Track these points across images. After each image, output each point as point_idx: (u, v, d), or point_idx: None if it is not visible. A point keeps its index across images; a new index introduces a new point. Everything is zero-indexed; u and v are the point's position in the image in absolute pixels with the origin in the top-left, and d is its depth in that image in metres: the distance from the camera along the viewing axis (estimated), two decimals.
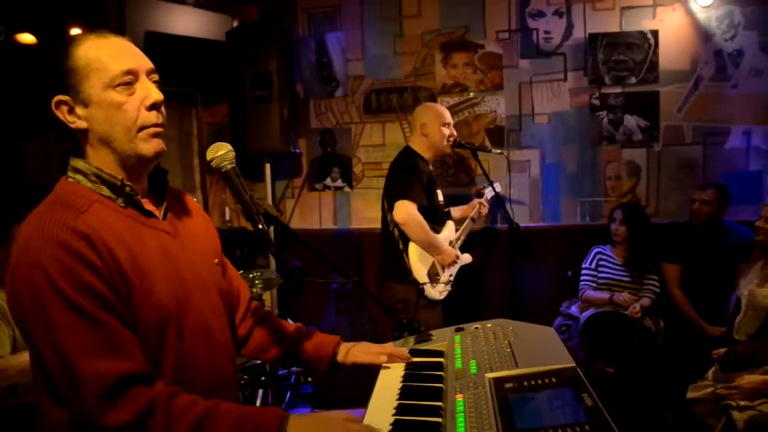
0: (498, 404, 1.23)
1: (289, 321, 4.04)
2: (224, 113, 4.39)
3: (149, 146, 1.28)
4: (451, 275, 3.46)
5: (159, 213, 1.36)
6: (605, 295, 3.62)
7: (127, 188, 1.27)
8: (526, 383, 1.30)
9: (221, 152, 1.34)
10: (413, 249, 3.32)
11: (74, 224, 1.16)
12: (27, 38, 3.51)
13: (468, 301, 4.07)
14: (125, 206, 1.28)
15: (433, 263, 3.39)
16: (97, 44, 1.25)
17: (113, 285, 1.16)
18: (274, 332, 1.66)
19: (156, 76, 1.31)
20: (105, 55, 1.24)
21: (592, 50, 4.04)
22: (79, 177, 1.27)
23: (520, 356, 1.46)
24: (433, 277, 3.36)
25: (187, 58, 3.95)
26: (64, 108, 1.24)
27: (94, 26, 3.71)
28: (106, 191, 1.27)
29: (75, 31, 3.74)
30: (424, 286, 3.32)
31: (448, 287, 3.43)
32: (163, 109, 1.30)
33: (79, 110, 1.24)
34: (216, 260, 1.49)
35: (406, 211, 3.21)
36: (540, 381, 1.30)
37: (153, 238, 1.29)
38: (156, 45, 3.78)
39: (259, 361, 2.90)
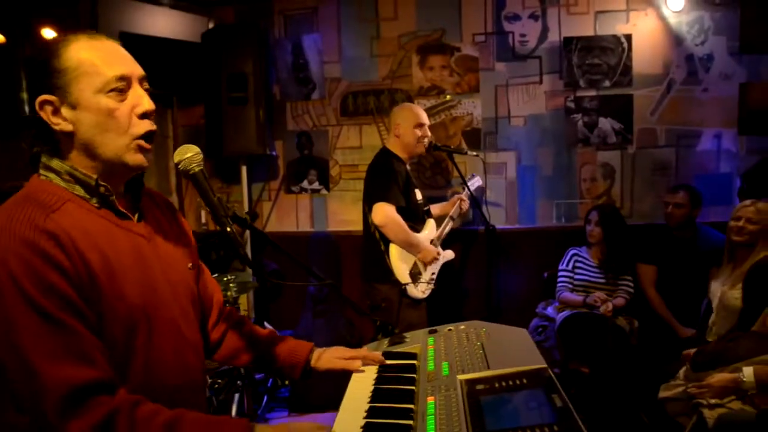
0: (468, 406, 1.23)
1: (266, 325, 4.02)
2: (200, 115, 4.35)
3: (136, 158, 1.26)
4: (433, 273, 3.47)
5: (134, 215, 1.33)
6: (580, 297, 3.66)
7: (102, 188, 1.25)
8: (497, 384, 1.30)
9: (189, 154, 1.32)
10: (394, 250, 3.33)
11: (43, 223, 1.13)
12: None
13: (447, 302, 4.08)
14: (99, 207, 1.25)
15: (415, 263, 3.40)
16: (89, 46, 1.22)
17: (81, 287, 1.14)
18: (247, 337, 1.63)
19: (146, 84, 1.29)
20: (98, 59, 1.21)
21: (567, 54, 4.08)
22: (52, 175, 1.24)
23: (492, 358, 1.47)
24: (415, 276, 3.38)
25: (163, 60, 3.91)
26: (49, 108, 1.21)
27: (65, 26, 3.67)
28: (79, 191, 1.24)
29: (46, 31, 3.69)
30: (407, 286, 3.33)
31: (431, 285, 3.45)
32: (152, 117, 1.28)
33: (65, 112, 1.21)
34: (190, 265, 1.47)
35: (383, 213, 3.23)
36: (511, 382, 1.30)
37: (126, 240, 1.27)
38: (130, 46, 3.68)
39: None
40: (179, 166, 1.32)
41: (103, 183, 1.25)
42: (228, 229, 1.32)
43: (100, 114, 1.21)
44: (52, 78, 1.20)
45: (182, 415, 1.16)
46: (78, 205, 1.22)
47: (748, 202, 3.08)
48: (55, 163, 1.24)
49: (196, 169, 1.33)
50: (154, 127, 1.28)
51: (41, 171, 1.25)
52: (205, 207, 4.46)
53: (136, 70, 1.26)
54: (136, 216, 1.34)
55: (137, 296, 1.23)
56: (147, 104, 1.26)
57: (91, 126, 1.21)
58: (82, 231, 1.18)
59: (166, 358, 1.29)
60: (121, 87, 1.22)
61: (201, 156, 1.34)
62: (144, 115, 1.26)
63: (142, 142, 1.26)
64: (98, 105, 1.21)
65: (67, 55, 1.20)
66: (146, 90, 1.28)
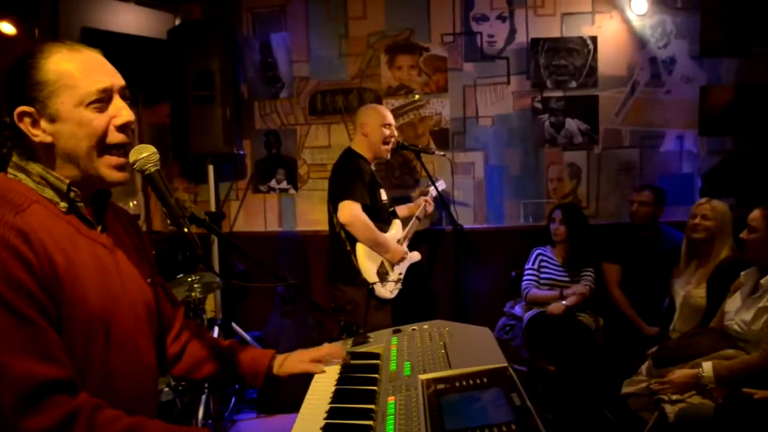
0: (429, 405, 1.23)
1: (234, 326, 3.97)
2: (166, 114, 4.27)
3: (113, 175, 1.26)
4: (400, 274, 3.47)
5: (98, 225, 1.31)
6: (554, 292, 3.69)
7: (72, 194, 1.23)
8: (457, 384, 1.31)
9: (144, 154, 1.30)
10: (361, 249, 3.32)
11: (13, 220, 1.11)
12: None
13: (414, 302, 4.08)
14: (66, 212, 1.24)
15: (382, 262, 3.39)
16: (69, 58, 1.20)
17: (47, 287, 1.12)
18: (208, 349, 1.61)
19: (127, 93, 1.28)
20: (78, 71, 1.19)
21: (534, 55, 4.12)
22: (21, 175, 1.22)
23: (453, 357, 1.47)
24: (383, 276, 3.37)
25: (127, 57, 3.82)
26: (28, 120, 1.19)
27: (24, 21, 3.57)
28: (49, 193, 1.23)
29: (4, 26, 3.59)
30: (374, 286, 3.32)
31: (399, 285, 3.44)
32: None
33: (44, 124, 1.19)
34: (149, 280, 1.45)
35: (349, 211, 3.21)
36: (471, 381, 1.31)
37: (89, 248, 1.25)
38: (93, 42, 3.63)
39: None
40: (135, 166, 1.29)
41: (74, 189, 1.24)
42: (185, 230, 1.30)
43: (79, 126, 1.20)
44: (31, 90, 1.19)
45: (143, 423, 1.15)
46: (44, 207, 1.21)
47: (703, 200, 3.16)
48: (26, 164, 1.23)
49: (152, 169, 1.31)
50: (129, 139, 1.27)
51: (10, 170, 1.24)
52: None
53: (117, 81, 1.25)
54: (100, 227, 1.32)
55: (97, 304, 1.22)
56: (126, 116, 1.25)
57: (69, 137, 1.21)
58: (48, 233, 1.16)
59: (121, 374, 1.27)
60: (101, 99, 1.21)
61: (157, 156, 1.32)
62: (122, 127, 1.25)
63: (119, 160, 1.25)
64: (78, 118, 1.20)
65: (47, 67, 1.19)
66: (126, 100, 1.27)
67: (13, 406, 1.04)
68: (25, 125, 1.19)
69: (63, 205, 1.23)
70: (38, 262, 1.11)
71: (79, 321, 1.18)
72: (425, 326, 1.76)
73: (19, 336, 1.07)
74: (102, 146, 1.23)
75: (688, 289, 3.14)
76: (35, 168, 1.22)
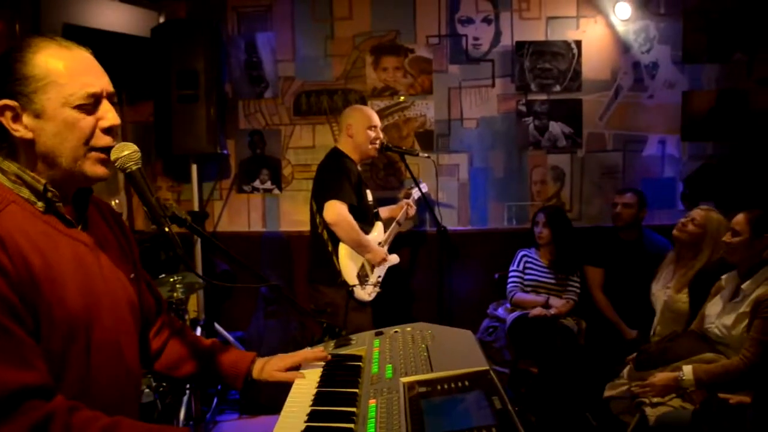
0: (409, 409, 1.23)
1: (217, 326, 3.94)
2: (149, 112, 4.23)
3: (96, 170, 1.24)
4: (379, 276, 3.47)
5: (78, 223, 1.29)
6: (540, 298, 3.70)
7: (50, 194, 1.21)
8: (438, 387, 1.30)
9: (126, 152, 1.28)
10: (343, 250, 3.31)
11: None
12: None
13: (397, 303, 4.08)
14: (44, 212, 1.21)
15: (363, 265, 3.38)
16: (59, 55, 1.18)
17: (22, 291, 1.10)
18: (189, 347, 1.60)
19: (115, 98, 1.26)
20: (68, 71, 1.17)
21: (519, 58, 4.14)
22: None
23: (435, 360, 1.47)
24: (363, 278, 3.36)
25: (110, 55, 3.75)
26: (9, 114, 1.16)
27: (6, 17, 3.52)
28: (26, 193, 1.20)
29: None
30: (354, 288, 3.31)
31: (377, 288, 3.44)
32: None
33: (26, 119, 1.17)
34: (132, 275, 1.43)
35: (335, 211, 3.20)
36: (452, 385, 1.30)
37: (68, 247, 1.22)
38: (75, 39, 3.60)
39: None
40: (116, 164, 1.28)
41: (51, 189, 1.21)
42: (166, 229, 1.29)
43: (65, 125, 1.18)
44: (16, 84, 1.16)
45: (120, 422, 1.14)
46: (22, 208, 1.18)
47: (705, 206, 3.19)
48: (2, 163, 1.20)
49: (133, 168, 1.29)
50: (114, 143, 1.26)
51: None
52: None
53: (106, 86, 1.24)
54: (81, 225, 1.30)
55: (77, 304, 1.20)
56: (113, 119, 1.24)
57: (52, 135, 1.18)
58: (24, 235, 1.14)
59: (102, 375, 1.26)
60: (89, 103, 1.20)
61: (139, 154, 1.30)
62: (108, 130, 1.23)
63: (102, 155, 1.24)
64: (63, 117, 1.18)
65: (34, 62, 1.16)
66: (114, 105, 1.26)
67: None
68: (6, 119, 1.17)
69: (40, 204, 1.21)
70: (13, 266, 1.09)
71: (58, 323, 1.16)
72: (408, 329, 1.75)
73: None
74: (87, 147, 1.22)
75: (670, 294, 3.16)
76: (11, 167, 1.20)
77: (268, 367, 1.60)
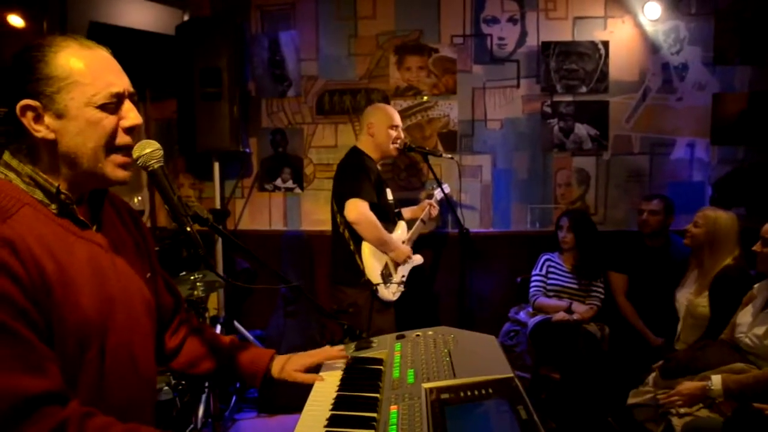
0: (432, 416, 1.20)
1: (237, 324, 3.94)
2: (173, 110, 4.25)
3: (117, 173, 1.23)
4: (403, 276, 3.44)
5: (93, 224, 1.28)
6: (562, 302, 3.65)
7: (63, 196, 1.19)
8: (462, 394, 1.27)
9: (148, 150, 1.27)
10: (366, 249, 3.28)
11: None
12: None
13: (419, 306, 4.05)
14: (58, 214, 1.20)
15: (387, 263, 3.36)
16: (81, 54, 1.17)
17: (35, 297, 1.08)
18: (207, 345, 1.59)
19: (135, 98, 1.26)
20: (90, 70, 1.16)
21: (544, 58, 4.08)
22: (12, 175, 1.18)
23: (458, 365, 1.43)
24: (386, 277, 3.33)
25: (135, 52, 3.80)
26: (31, 114, 1.15)
27: (33, 14, 3.56)
28: (39, 195, 1.18)
29: (14, 18, 3.58)
30: (378, 287, 3.28)
31: (401, 287, 3.40)
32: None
33: (48, 120, 1.15)
34: (148, 275, 1.42)
35: (357, 209, 3.18)
36: (476, 392, 1.27)
37: (83, 250, 1.21)
38: (101, 37, 3.60)
39: None
40: (138, 162, 1.26)
41: (64, 191, 1.19)
42: (188, 228, 1.27)
43: (87, 125, 1.17)
44: (38, 84, 1.14)
45: (135, 429, 1.13)
46: (36, 210, 1.17)
47: (705, 207, 3.14)
48: (16, 164, 1.18)
49: (156, 166, 1.28)
50: (134, 142, 1.25)
51: (1, 168, 1.19)
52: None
53: (127, 86, 1.23)
54: (95, 226, 1.29)
55: (91, 309, 1.18)
56: (134, 118, 1.23)
57: (75, 135, 1.17)
58: (37, 238, 1.12)
59: (116, 381, 1.24)
60: (113, 103, 1.19)
61: (161, 152, 1.29)
62: (130, 129, 1.23)
63: (124, 159, 1.23)
64: (87, 116, 1.17)
65: (56, 62, 1.15)
66: (134, 103, 1.25)
67: (1, 423, 1.02)
68: (27, 120, 1.15)
69: (53, 207, 1.20)
70: (25, 272, 1.07)
71: (72, 328, 1.14)
72: (429, 332, 1.72)
73: (5, 350, 1.03)
74: (109, 147, 1.20)
75: (690, 299, 3.10)
76: (24, 168, 1.18)
77: (288, 367, 1.58)
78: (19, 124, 1.16)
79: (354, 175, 3.27)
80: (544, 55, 4.08)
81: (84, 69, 1.16)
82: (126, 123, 1.22)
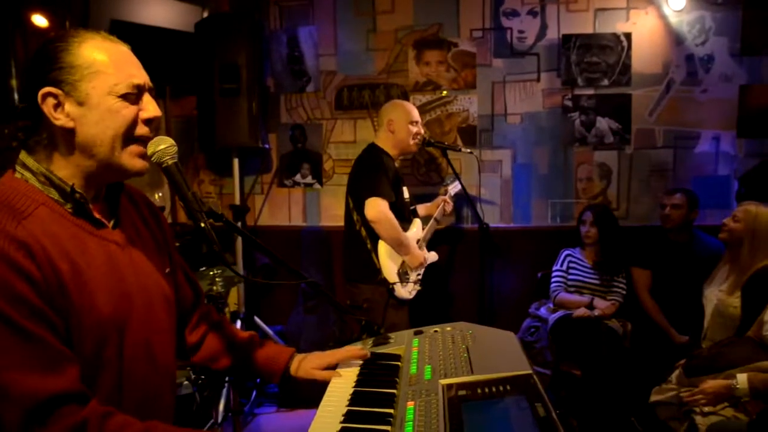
0: (449, 412, 1.18)
1: (257, 320, 3.96)
2: (193, 106, 4.29)
3: (134, 163, 1.24)
4: (419, 275, 3.42)
5: (110, 221, 1.29)
6: (584, 298, 3.60)
7: (77, 195, 1.19)
8: (479, 390, 1.25)
9: (162, 146, 1.27)
10: (383, 248, 3.27)
11: (14, 231, 1.07)
12: None
13: (436, 302, 4.03)
14: (73, 213, 1.20)
15: (403, 263, 3.34)
16: (104, 47, 1.19)
17: (50, 298, 1.09)
18: (227, 341, 1.60)
19: (154, 92, 1.27)
20: (113, 62, 1.18)
21: (565, 51, 4.03)
22: (28, 174, 1.19)
23: (476, 362, 1.42)
24: (403, 276, 3.32)
25: (155, 49, 3.83)
26: (51, 101, 1.16)
27: (56, 13, 3.61)
28: (54, 194, 1.19)
29: (37, 18, 3.62)
30: (394, 286, 3.27)
31: (417, 286, 3.40)
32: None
33: (69, 107, 1.16)
34: (167, 269, 1.42)
35: (377, 208, 3.16)
36: (494, 389, 1.25)
37: (100, 249, 1.22)
38: (122, 34, 3.64)
39: None
40: (152, 158, 1.27)
41: (78, 190, 1.20)
42: (202, 224, 1.27)
43: (108, 114, 1.18)
44: (61, 72, 1.15)
45: (154, 427, 1.13)
46: (51, 210, 1.17)
47: (747, 202, 3.02)
48: (31, 162, 1.19)
49: (170, 162, 1.28)
50: (152, 134, 1.26)
51: (18, 168, 1.20)
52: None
53: (147, 80, 1.25)
54: (112, 222, 1.29)
55: (108, 308, 1.19)
56: (153, 110, 1.24)
57: (94, 124, 1.18)
58: (53, 238, 1.13)
59: (136, 371, 1.25)
60: (133, 94, 1.20)
61: (175, 148, 1.29)
62: (149, 121, 1.24)
63: (140, 148, 1.24)
64: (108, 105, 1.18)
65: (80, 52, 1.16)
66: (153, 98, 1.26)
67: (20, 424, 1.02)
68: (48, 107, 1.16)
69: (69, 206, 1.20)
70: (41, 274, 1.08)
71: (89, 327, 1.15)
72: (448, 328, 1.70)
73: (23, 352, 1.04)
74: (127, 137, 1.21)
75: (721, 297, 3.00)
76: (39, 167, 1.19)
77: (306, 365, 1.58)
78: (38, 117, 1.17)
79: (371, 174, 3.25)
80: (564, 48, 4.03)
81: (107, 60, 1.18)
82: (145, 114, 1.23)
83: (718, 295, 3.01)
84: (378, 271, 3.26)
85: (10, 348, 1.03)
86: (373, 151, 3.38)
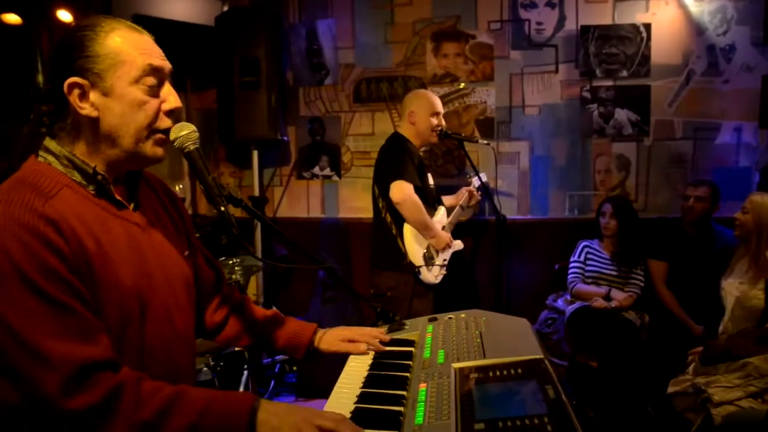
0: (460, 394, 1.21)
1: (275, 310, 4.02)
2: (213, 99, 4.35)
3: (155, 151, 1.27)
4: (445, 260, 3.44)
5: (130, 203, 1.33)
6: (601, 289, 3.60)
7: (99, 176, 1.24)
8: (491, 374, 1.28)
9: (184, 132, 1.31)
10: (408, 232, 3.29)
11: (42, 209, 1.12)
12: (12, 18, 3.47)
13: (458, 292, 4.04)
14: (95, 194, 1.25)
15: (428, 246, 3.36)
16: (129, 36, 1.22)
17: (79, 272, 1.13)
18: (250, 319, 1.65)
19: (173, 80, 1.30)
20: (137, 50, 1.21)
21: (583, 42, 4.00)
22: (51, 158, 1.23)
23: (489, 347, 1.44)
24: (429, 260, 3.34)
25: (176, 43, 3.89)
26: (77, 92, 1.19)
27: (80, 8, 3.68)
28: (77, 177, 1.23)
29: (62, 13, 3.70)
30: (421, 269, 3.29)
31: (443, 271, 3.41)
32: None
33: (94, 97, 1.20)
34: (186, 252, 1.46)
35: (402, 190, 3.18)
36: (505, 372, 1.28)
37: (121, 229, 1.26)
38: (144, 28, 3.72)
39: (237, 349, 2.88)
40: (175, 144, 1.31)
41: (100, 172, 1.24)
42: (222, 208, 1.31)
43: (132, 105, 1.21)
44: (87, 61, 1.19)
45: (186, 389, 1.17)
46: (74, 191, 1.21)
47: (756, 193, 3.01)
48: (54, 146, 1.23)
49: (192, 147, 1.32)
50: (173, 125, 1.30)
51: (41, 153, 1.24)
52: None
53: (168, 65, 1.27)
54: (133, 205, 1.33)
55: (131, 285, 1.23)
56: (175, 101, 1.27)
57: (118, 115, 1.21)
58: (78, 218, 1.17)
59: (158, 349, 1.29)
60: (156, 80, 1.23)
61: (197, 134, 1.33)
62: (170, 112, 1.27)
63: (162, 136, 1.27)
64: (131, 96, 1.21)
65: (105, 41, 1.19)
66: (174, 87, 1.29)
67: (60, 390, 1.06)
68: (74, 97, 1.19)
69: (91, 188, 1.24)
70: (69, 249, 1.12)
71: (113, 303, 1.19)
72: (462, 315, 1.73)
73: (58, 322, 1.08)
74: (150, 129, 1.25)
75: (743, 289, 2.97)
76: (62, 151, 1.23)
77: (328, 337, 1.63)
78: (63, 101, 1.20)
79: (397, 158, 3.27)
80: (583, 39, 4.00)
81: (130, 49, 1.20)
82: (167, 106, 1.26)
83: (740, 288, 2.98)
84: (403, 256, 3.28)
85: (46, 318, 1.08)
86: (396, 138, 3.40)
